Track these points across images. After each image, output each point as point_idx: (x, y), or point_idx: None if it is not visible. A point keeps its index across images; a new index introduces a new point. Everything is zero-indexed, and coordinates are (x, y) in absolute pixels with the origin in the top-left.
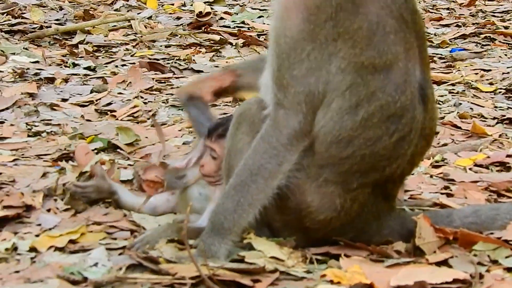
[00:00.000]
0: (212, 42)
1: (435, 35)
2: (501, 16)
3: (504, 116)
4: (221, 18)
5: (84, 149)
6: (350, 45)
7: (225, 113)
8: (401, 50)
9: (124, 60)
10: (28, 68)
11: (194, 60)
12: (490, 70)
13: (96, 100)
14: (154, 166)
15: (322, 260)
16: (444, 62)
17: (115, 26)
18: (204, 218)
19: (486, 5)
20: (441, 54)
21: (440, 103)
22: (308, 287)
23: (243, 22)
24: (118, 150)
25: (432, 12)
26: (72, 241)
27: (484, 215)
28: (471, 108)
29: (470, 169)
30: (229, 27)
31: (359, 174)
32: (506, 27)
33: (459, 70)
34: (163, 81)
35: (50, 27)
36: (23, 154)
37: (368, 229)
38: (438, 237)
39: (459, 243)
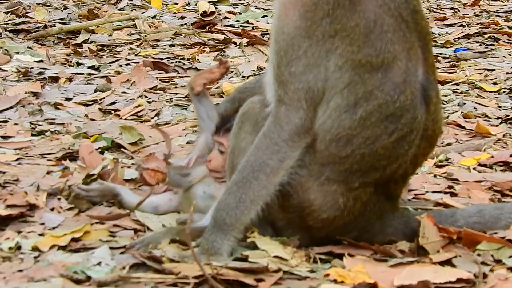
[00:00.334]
0: (216, 41)
1: (439, 34)
2: (505, 16)
3: (508, 116)
4: (225, 18)
5: (88, 148)
6: (347, 42)
7: None
8: (400, 50)
9: (128, 60)
10: (32, 67)
11: (198, 59)
12: (494, 70)
13: (100, 99)
14: (156, 157)
15: (326, 259)
16: (448, 62)
17: (119, 25)
18: (208, 217)
19: (490, 5)
20: (445, 54)
21: (444, 102)
22: (312, 286)
23: (247, 22)
24: (122, 149)
25: (436, 12)
26: (75, 240)
27: (488, 214)
28: (475, 108)
29: (474, 168)
30: (233, 26)
31: (360, 173)
32: (510, 27)
33: (463, 70)
34: (167, 80)
35: (54, 26)
36: (27, 153)
37: (371, 228)
38: (441, 237)
39: (463, 243)
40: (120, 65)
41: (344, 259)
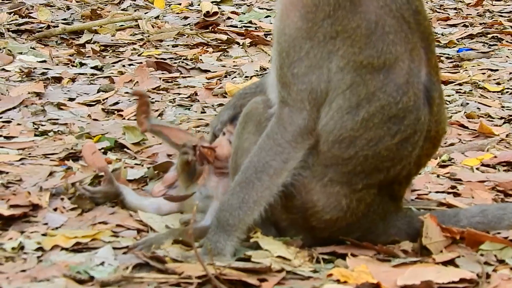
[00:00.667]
0: (219, 41)
1: (442, 35)
2: (509, 16)
3: (511, 116)
4: (228, 18)
5: (91, 148)
6: (348, 44)
7: None
8: (402, 51)
9: (131, 60)
10: (35, 68)
11: (201, 59)
12: (497, 70)
13: (103, 100)
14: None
15: (329, 259)
16: (451, 62)
17: (122, 25)
18: (208, 217)
19: (494, 5)
20: (448, 54)
21: (447, 103)
22: (315, 286)
23: (250, 22)
24: (125, 149)
25: (439, 12)
26: (79, 241)
27: (491, 214)
28: (478, 108)
29: (477, 168)
30: (236, 26)
31: (364, 174)
32: None
33: (466, 70)
34: (170, 80)
35: (57, 26)
36: (30, 154)
37: (374, 229)
38: (445, 237)
39: (466, 243)
40: (123, 65)
41: (347, 259)
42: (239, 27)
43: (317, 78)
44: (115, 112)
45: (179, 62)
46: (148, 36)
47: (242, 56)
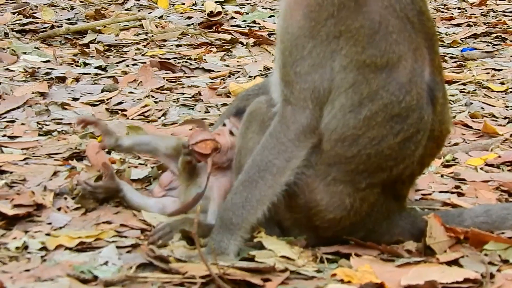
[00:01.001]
0: (223, 41)
1: (446, 34)
2: None
3: None
4: (232, 18)
5: (95, 148)
6: (351, 43)
7: None
8: (406, 50)
9: (135, 60)
10: (39, 68)
11: (205, 59)
12: (501, 69)
13: (107, 100)
14: (199, 130)
15: (333, 259)
16: (455, 62)
17: (126, 25)
18: (209, 217)
19: (498, 5)
20: (452, 54)
21: (451, 102)
22: (319, 286)
23: (254, 22)
24: None
25: (443, 12)
26: (82, 241)
27: (495, 214)
28: (482, 108)
29: (481, 168)
30: (240, 26)
31: (367, 173)
32: None
33: (470, 70)
34: (174, 80)
35: (61, 26)
36: (34, 153)
37: (378, 228)
38: (449, 237)
39: (470, 243)
40: (127, 65)
41: (351, 259)
42: (243, 27)
43: (320, 77)
44: (119, 112)
45: (182, 62)
46: (152, 36)
47: (246, 56)
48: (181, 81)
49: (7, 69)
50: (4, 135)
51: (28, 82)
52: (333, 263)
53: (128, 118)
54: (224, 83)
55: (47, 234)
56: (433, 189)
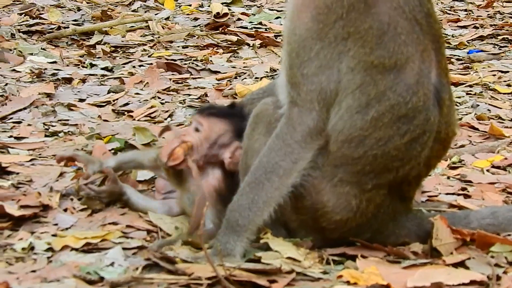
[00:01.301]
0: (229, 43)
1: (452, 36)
2: None
3: None
4: (239, 19)
5: (101, 149)
6: (360, 44)
7: None
8: (413, 51)
9: (142, 61)
10: (45, 69)
11: (211, 60)
12: (507, 71)
13: (113, 101)
14: (167, 144)
15: (339, 260)
16: (462, 64)
17: (132, 26)
18: (207, 221)
19: (504, 7)
20: (459, 56)
21: (458, 104)
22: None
23: (260, 23)
24: (135, 150)
25: (449, 14)
26: (89, 242)
27: (501, 216)
28: (488, 110)
29: (487, 170)
30: (246, 28)
31: (373, 174)
32: None
33: (477, 72)
34: (180, 81)
35: (68, 27)
36: (40, 154)
37: (384, 230)
38: (455, 238)
39: (476, 245)
40: (134, 66)
41: (357, 261)
42: (249, 28)
43: (327, 79)
44: (125, 113)
45: (189, 63)
46: (158, 37)
47: (252, 57)
48: (187, 82)
49: (14, 70)
50: (11, 136)
51: (34, 83)
52: (339, 264)
53: (134, 119)
54: (231, 84)
55: (53, 235)
56: (439, 191)
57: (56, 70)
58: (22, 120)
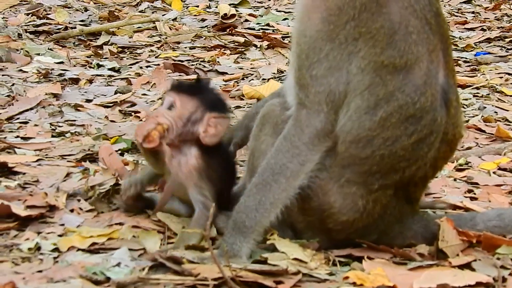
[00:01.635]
0: (236, 44)
1: (460, 38)
2: None
3: None
4: (246, 20)
5: (108, 149)
6: (371, 45)
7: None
8: (423, 51)
9: (149, 62)
10: (52, 69)
11: (218, 62)
12: None
13: (120, 101)
14: (143, 123)
15: (345, 262)
16: (469, 66)
17: (140, 27)
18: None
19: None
20: (466, 58)
21: (465, 106)
22: None
23: (267, 24)
24: None
25: (457, 16)
26: (95, 241)
27: (507, 218)
28: (495, 112)
29: (494, 172)
30: (253, 29)
31: (380, 175)
32: None
33: (484, 74)
34: None
35: (75, 28)
36: (47, 154)
37: (390, 231)
38: (461, 240)
39: (483, 247)
40: (141, 67)
41: (363, 262)
42: (257, 30)
43: (336, 80)
44: (132, 113)
45: (196, 64)
46: (166, 38)
47: (260, 58)
48: None
49: (21, 70)
50: (17, 136)
51: (41, 83)
52: (346, 266)
53: (141, 120)
54: (238, 85)
55: (60, 235)
56: (445, 192)
57: (63, 71)
58: (29, 120)
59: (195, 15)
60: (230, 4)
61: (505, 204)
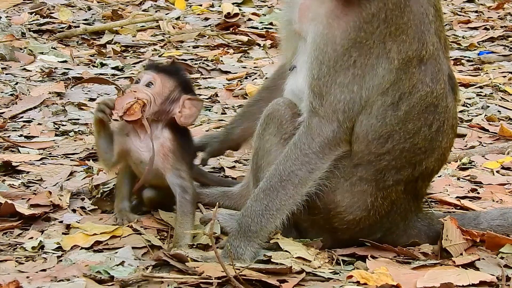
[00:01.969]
0: (240, 43)
1: (463, 37)
2: None
3: None
4: (249, 19)
5: None
6: (400, 40)
7: None
8: (438, 39)
9: (152, 60)
10: (56, 68)
11: (221, 61)
12: None
13: None
14: (121, 96)
15: (349, 261)
16: (472, 65)
17: (143, 26)
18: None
19: None
20: (469, 57)
21: (468, 105)
22: None
23: (271, 23)
24: None
25: (460, 15)
26: (98, 240)
27: (511, 218)
28: (498, 111)
29: (497, 171)
30: (257, 28)
31: (395, 170)
32: None
33: (487, 73)
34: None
35: (78, 27)
36: (50, 153)
37: (395, 229)
38: (465, 239)
39: (486, 246)
40: (144, 66)
41: (367, 261)
42: (260, 29)
43: (359, 88)
44: None
45: (199, 63)
46: (169, 37)
47: (263, 57)
48: (197, 82)
49: (24, 69)
50: (21, 135)
51: (45, 82)
52: (349, 265)
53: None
54: (241, 84)
55: (63, 234)
56: (449, 192)
57: (66, 69)
58: (33, 119)
59: (198, 14)
60: (233, 3)
61: (508, 203)
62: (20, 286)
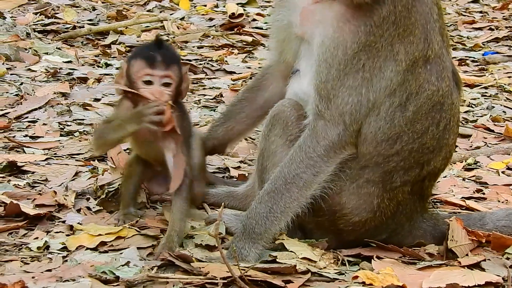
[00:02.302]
0: (244, 43)
1: (468, 38)
2: None
3: None
4: (254, 20)
5: (116, 148)
6: (408, 41)
7: None
8: (442, 37)
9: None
10: (61, 68)
11: (226, 61)
12: None
13: None
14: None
15: (354, 261)
16: (477, 65)
17: (147, 26)
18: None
19: None
20: (474, 57)
21: (473, 106)
22: None
23: None
24: None
25: (465, 15)
26: (103, 240)
27: None
28: (504, 111)
29: (502, 172)
30: (261, 28)
31: (403, 171)
32: None
33: (492, 73)
34: (195, 82)
35: (83, 27)
36: (55, 153)
37: (400, 230)
38: (470, 240)
39: (492, 246)
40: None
41: (372, 262)
42: (265, 29)
43: (367, 91)
44: None
45: (204, 63)
46: (174, 37)
47: None
48: (202, 83)
49: (29, 69)
50: (26, 135)
51: (49, 83)
52: (355, 265)
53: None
54: (246, 84)
55: (69, 235)
56: (454, 192)
57: (71, 70)
58: (38, 119)
59: (203, 14)
60: (238, 4)
61: None
62: (26, 286)
